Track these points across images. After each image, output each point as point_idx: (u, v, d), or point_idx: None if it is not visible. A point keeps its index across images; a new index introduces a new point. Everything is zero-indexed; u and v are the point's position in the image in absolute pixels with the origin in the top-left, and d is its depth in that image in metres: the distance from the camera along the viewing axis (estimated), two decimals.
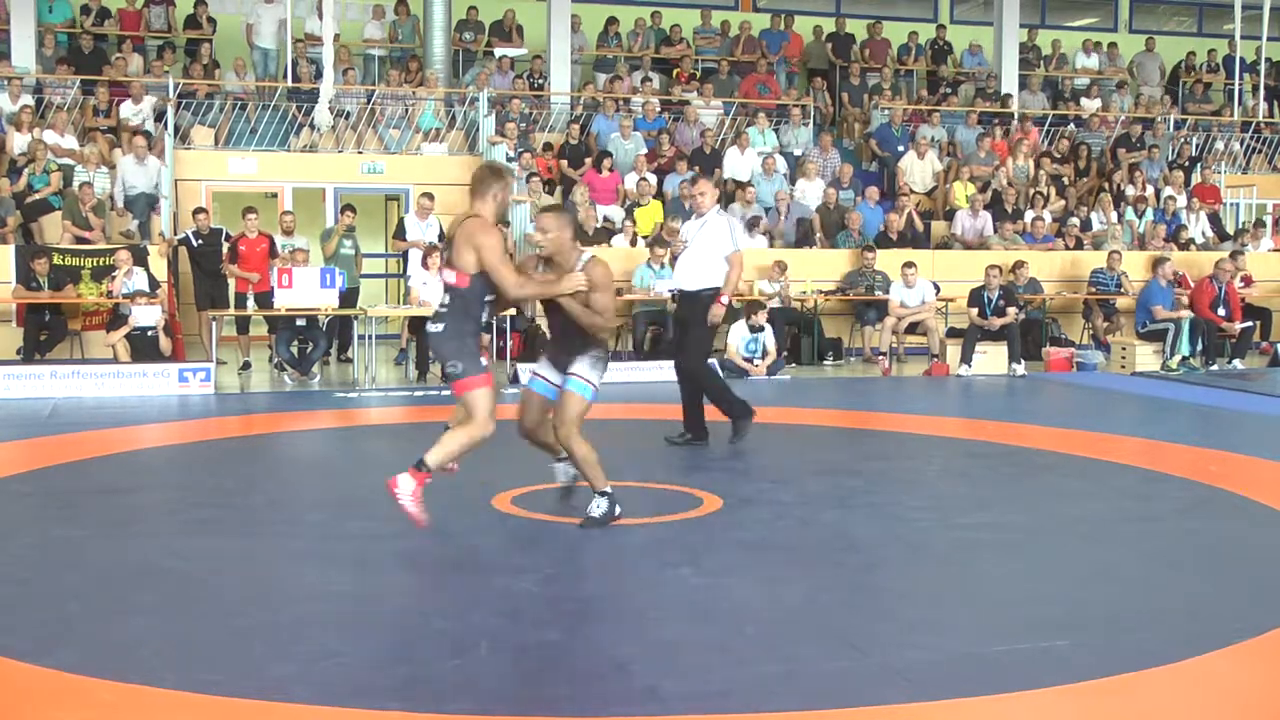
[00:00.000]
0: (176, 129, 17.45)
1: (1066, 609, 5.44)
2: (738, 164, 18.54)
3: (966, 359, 14.90)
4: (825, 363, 15.99)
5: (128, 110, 17.47)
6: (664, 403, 12.41)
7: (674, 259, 12.72)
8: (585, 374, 6.75)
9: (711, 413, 9.71)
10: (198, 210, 15.29)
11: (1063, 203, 19.48)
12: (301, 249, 14.55)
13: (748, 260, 16.13)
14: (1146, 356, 15.71)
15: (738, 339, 14.45)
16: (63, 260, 14.70)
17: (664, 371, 14.20)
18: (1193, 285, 16.58)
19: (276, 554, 6.38)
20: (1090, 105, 22.46)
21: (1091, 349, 16.29)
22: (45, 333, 14.38)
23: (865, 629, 5.13)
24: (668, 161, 18.34)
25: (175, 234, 15.72)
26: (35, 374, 12.67)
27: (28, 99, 17.29)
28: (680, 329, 9.92)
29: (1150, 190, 19.95)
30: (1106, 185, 20.22)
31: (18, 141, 16.43)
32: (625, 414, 11.47)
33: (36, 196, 15.70)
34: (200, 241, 14.87)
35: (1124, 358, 15.92)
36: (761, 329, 14.44)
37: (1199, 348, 15.67)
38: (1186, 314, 15.71)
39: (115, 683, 4.38)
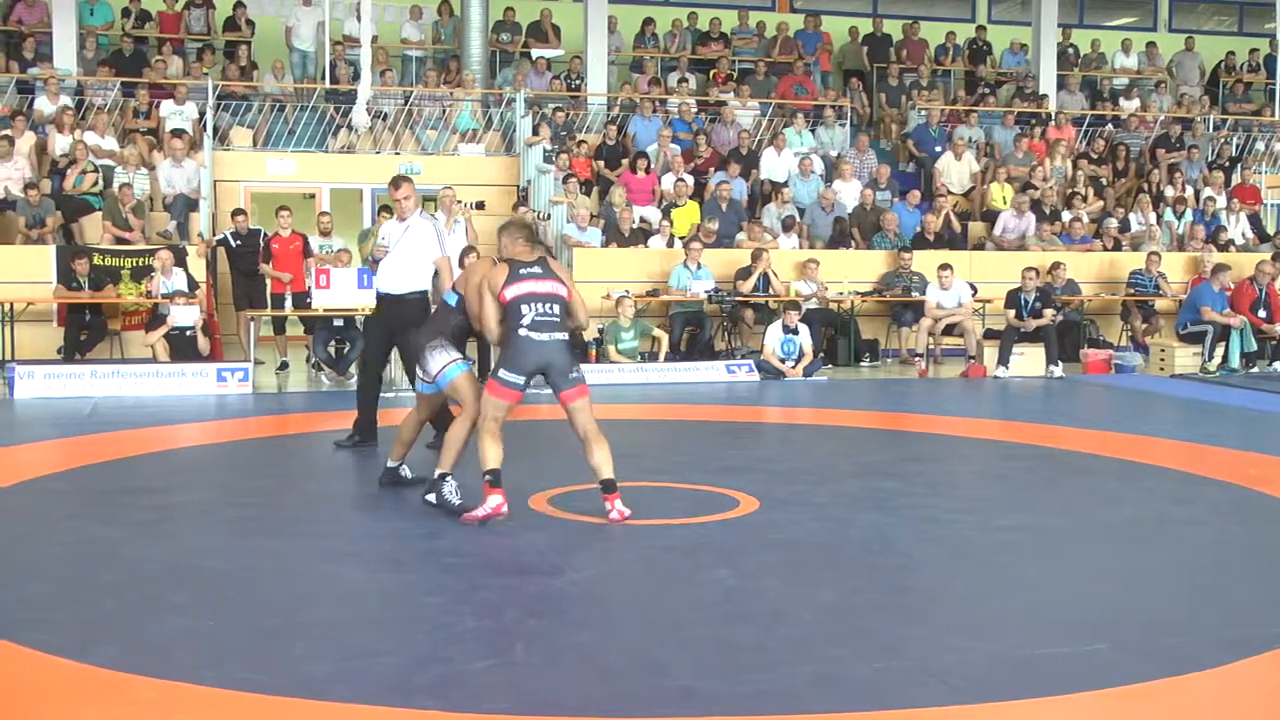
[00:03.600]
0: (215, 130, 17.57)
1: (1105, 612, 5.41)
2: (774, 165, 18.51)
3: (1004, 361, 14.82)
4: (862, 364, 15.94)
5: (167, 111, 17.59)
6: (703, 403, 12.44)
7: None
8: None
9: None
10: (236, 211, 15.35)
11: (1101, 203, 19.35)
12: (345, 250, 14.58)
13: (783, 260, 16.27)
14: (1185, 358, 15.59)
15: (774, 340, 14.43)
16: (103, 260, 14.80)
17: (700, 372, 14.26)
18: (1232, 287, 16.44)
19: (313, 553, 6.40)
20: (1129, 105, 22.31)
21: (1130, 351, 16.19)
22: (85, 332, 14.49)
23: (901, 631, 5.10)
24: (705, 162, 18.33)
25: (214, 235, 15.81)
26: (75, 373, 12.77)
27: (68, 100, 17.44)
28: (387, 333, 9.53)
29: (1189, 191, 19.79)
30: (1145, 186, 20.07)
31: (59, 143, 16.57)
32: (663, 415, 11.48)
33: (72, 194, 15.85)
34: (239, 242, 14.93)
35: (1163, 360, 15.80)
36: (797, 330, 14.41)
37: (1243, 351, 15.55)
38: (1239, 319, 15.55)
39: (155, 680, 4.40)
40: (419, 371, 7.44)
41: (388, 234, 9.65)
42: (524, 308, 6.88)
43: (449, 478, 7.07)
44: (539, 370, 6.92)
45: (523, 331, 6.85)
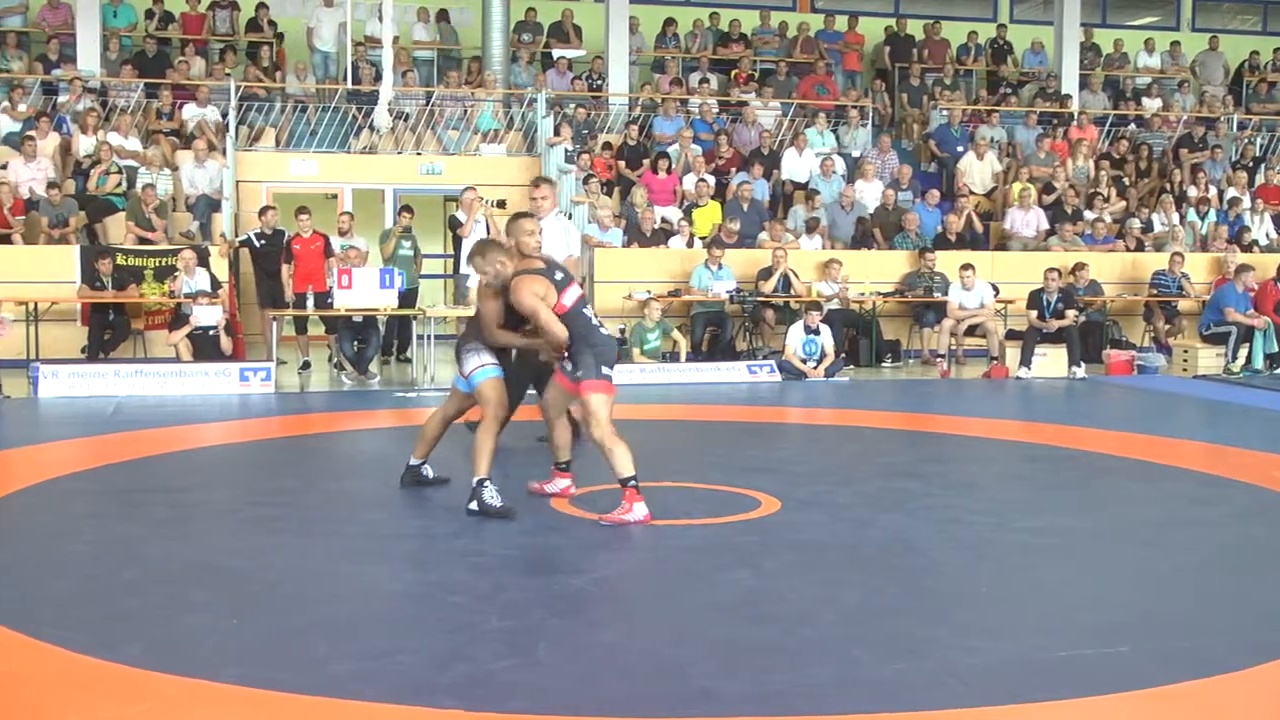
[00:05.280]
0: (239, 131, 17.64)
1: (1127, 614, 5.40)
2: (796, 165, 18.50)
3: (1026, 361, 14.78)
4: (884, 365, 15.93)
5: (190, 113, 17.68)
6: (724, 403, 12.44)
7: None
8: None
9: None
10: (265, 209, 15.36)
11: (1123, 204, 19.29)
12: (356, 248, 14.59)
13: (804, 261, 16.26)
14: (1209, 360, 15.52)
15: (795, 340, 14.41)
16: (126, 260, 14.88)
17: (722, 372, 14.27)
18: (1256, 288, 16.36)
19: (335, 552, 6.42)
20: (1151, 105, 22.24)
21: (1153, 352, 16.12)
22: (109, 332, 14.56)
23: (923, 632, 5.10)
24: (726, 163, 18.33)
25: (237, 235, 15.86)
26: (99, 373, 12.83)
27: (92, 102, 17.53)
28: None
29: (1213, 191, 19.71)
30: (1168, 186, 19.99)
31: (83, 143, 16.66)
32: (684, 415, 11.48)
33: (95, 194, 15.93)
34: (263, 242, 14.97)
35: (1186, 361, 15.75)
36: (819, 330, 14.39)
37: (1267, 352, 15.49)
38: (1263, 320, 15.48)
39: (177, 677, 4.43)
40: (459, 369, 7.48)
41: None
42: (585, 310, 7.17)
43: (487, 482, 7.08)
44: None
45: (603, 330, 7.22)
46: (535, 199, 9.44)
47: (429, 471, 7.91)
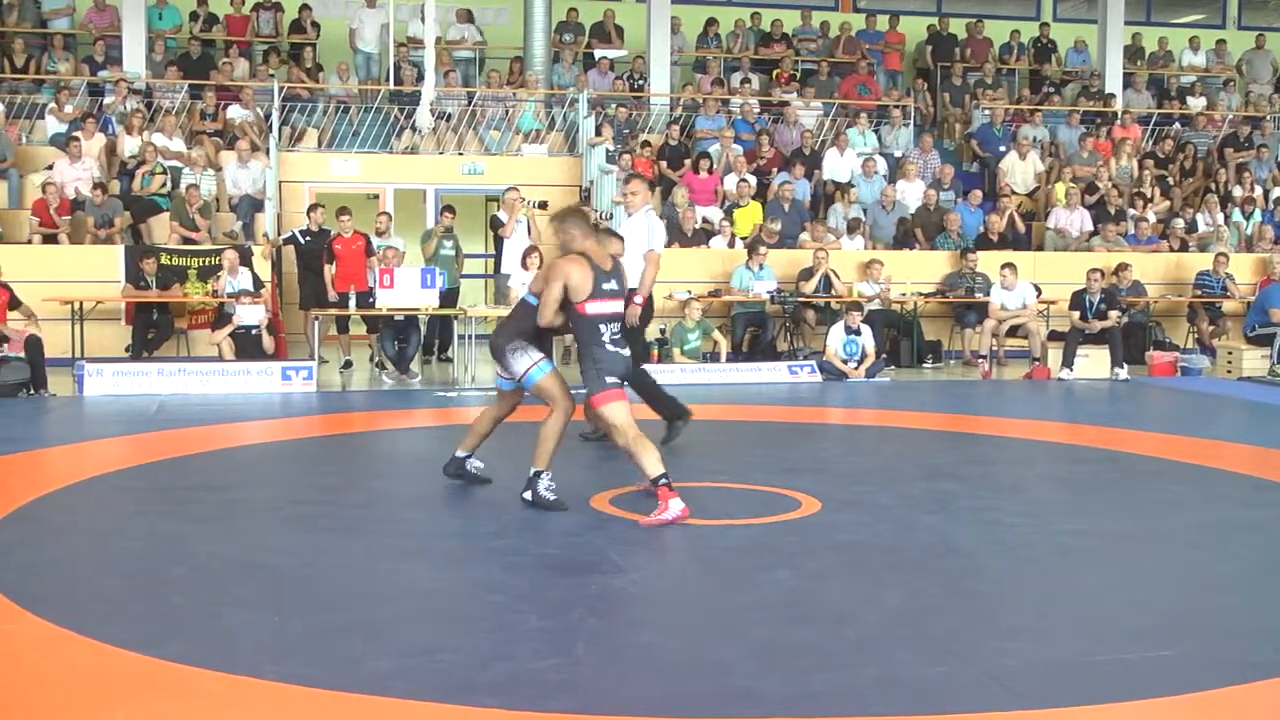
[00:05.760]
0: (282, 132, 17.74)
1: (1171, 618, 5.36)
2: (837, 165, 18.45)
3: (1068, 362, 14.69)
4: (925, 365, 15.86)
5: (235, 113, 17.80)
6: (764, 404, 12.43)
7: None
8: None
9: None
10: (313, 206, 15.41)
11: (1167, 204, 19.15)
12: (394, 247, 14.64)
13: (846, 261, 16.22)
14: (1253, 361, 15.38)
15: (836, 341, 14.38)
16: (170, 260, 15.00)
17: (762, 373, 14.25)
18: None
19: (376, 551, 6.44)
20: (1196, 104, 22.06)
21: (1197, 353, 16.01)
22: (153, 331, 14.68)
23: (964, 634, 5.08)
24: (768, 163, 18.30)
25: (280, 233, 15.95)
26: (143, 371, 12.94)
27: (137, 103, 17.67)
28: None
29: (1258, 191, 19.53)
30: (1213, 186, 19.83)
31: (128, 144, 16.79)
32: (725, 415, 11.46)
33: (140, 194, 16.07)
34: (308, 239, 15.02)
35: (1230, 362, 15.61)
36: (859, 331, 14.36)
37: None
38: None
39: (221, 674, 4.46)
40: (498, 369, 7.51)
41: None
42: (601, 327, 7.11)
43: (544, 474, 7.17)
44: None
45: (610, 347, 7.13)
46: (626, 194, 9.62)
47: (476, 465, 7.93)
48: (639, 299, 9.14)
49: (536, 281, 7.37)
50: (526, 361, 7.28)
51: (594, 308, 7.07)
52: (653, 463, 6.94)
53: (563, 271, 7.05)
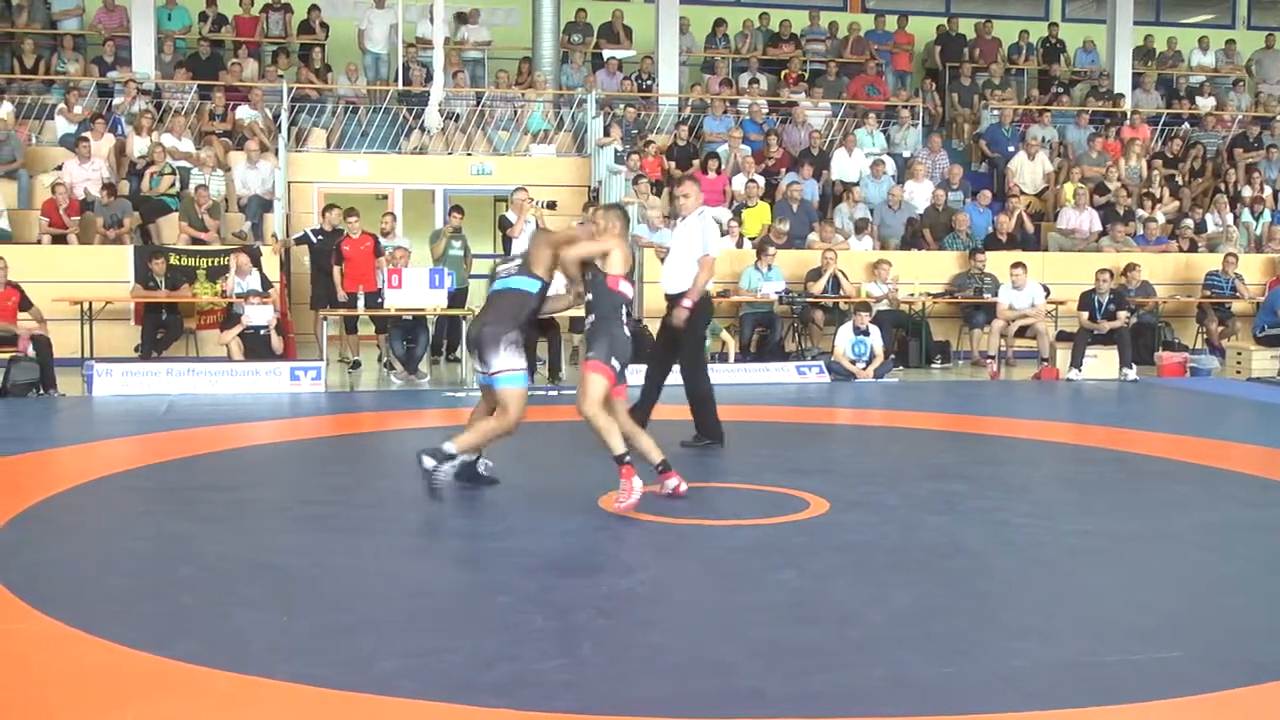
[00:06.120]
0: (291, 132, 17.77)
1: (1179, 619, 5.35)
2: (845, 165, 18.44)
3: (1076, 363, 14.66)
4: (933, 366, 15.85)
5: (244, 114, 17.83)
6: (773, 404, 12.42)
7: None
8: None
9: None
10: (329, 207, 15.37)
11: (1176, 204, 19.12)
12: (402, 247, 14.65)
13: (854, 261, 16.21)
14: (1263, 362, 15.34)
15: (844, 341, 14.37)
16: (179, 260, 15.04)
17: (770, 373, 14.24)
18: None
19: (384, 550, 6.46)
20: (1205, 104, 22.02)
21: (1206, 354, 15.98)
22: (162, 331, 14.71)
23: (972, 635, 5.08)
24: (776, 163, 18.30)
25: (289, 233, 15.97)
26: (152, 371, 12.97)
27: (146, 103, 17.70)
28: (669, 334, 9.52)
29: (1268, 191, 19.49)
30: (1222, 186, 19.80)
31: (137, 145, 16.83)
32: (733, 415, 11.44)
33: (149, 195, 16.10)
34: (320, 239, 14.97)
35: (1239, 363, 15.58)
36: (868, 331, 14.35)
37: None
38: None
39: (230, 674, 4.47)
40: (475, 363, 7.56)
41: (664, 236, 9.94)
42: (624, 307, 7.38)
43: (457, 459, 7.23)
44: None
45: (626, 331, 7.36)
46: (678, 197, 9.62)
47: (485, 466, 7.95)
48: (688, 303, 9.16)
49: (538, 262, 7.43)
50: (508, 362, 7.32)
51: (624, 286, 7.33)
52: (616, 440, 7.15)
53: (615, 241, 7.33)
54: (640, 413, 8.88)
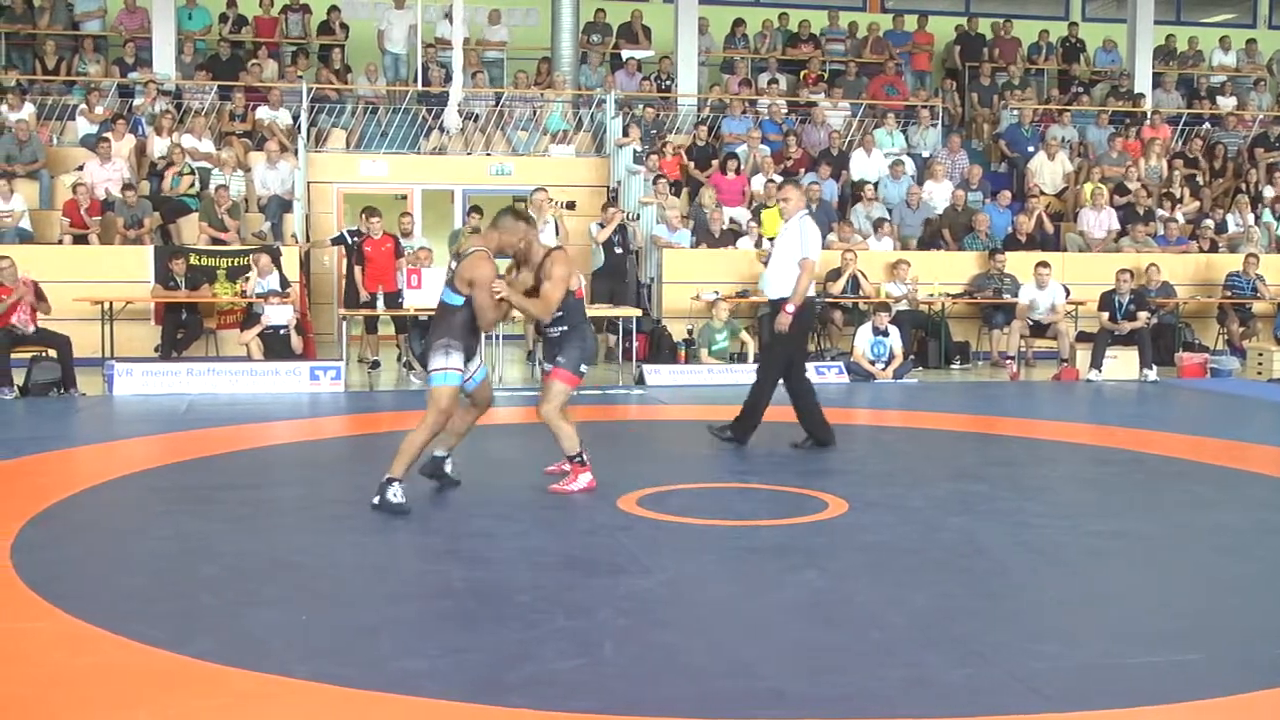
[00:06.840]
0: (310, 132, 17.81)
1: (1200, 621, 5.33)
2: (864, 165, 18.42)
3: (1097, 364, 14.62)
4: (953, 366, 15.82)
5: (264, 115, 17.88)
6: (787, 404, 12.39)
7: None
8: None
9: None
10: (368, 209, 15.26)
11: (1197, 204, 19.05)
12: (426, 248, 14.66)
13: (873, 261, 16.19)
14: None
15: (863, 342, 14.36)
16: (199, 261, 15.08)
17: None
18: None
19: (404, 550, 6.48)
20: (1226, 103, 21.93)
21: (1226, 355, 15.92)
22: (182, 331, 14.75)
23: (991, 636, 5.06)
24: (795, 163, 18.28)
25: (309, 234, 15.99)
26: (172, 371, 13.01)
27: (167, 104, 17.76)
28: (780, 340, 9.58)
29: None
30: (1243, 186, 19.72)
31: (158, 145, 16.89)
32: None
33: (169, 195, 16.15)
34: (356, 240, 14.92)
35: (1260, 364, 15.51)
36: (887, 332, 14.32)
37: None
38: None
39: (250, 672, 4.49)
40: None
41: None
42: (584, 304, 7.92)
43: (397, 482, 7.18)
44: None
45: (591, 328, 7.96)
46: (780, 200, 9.75)
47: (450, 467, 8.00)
48: (790, 308, 9.21)
49: (461, 284, 7.34)
50: (443, 362, 7.35)
51: (576, 284, 7.85)
52: (571, 442, 7.65)
53: (570, 267, 7.69)
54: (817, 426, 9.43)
